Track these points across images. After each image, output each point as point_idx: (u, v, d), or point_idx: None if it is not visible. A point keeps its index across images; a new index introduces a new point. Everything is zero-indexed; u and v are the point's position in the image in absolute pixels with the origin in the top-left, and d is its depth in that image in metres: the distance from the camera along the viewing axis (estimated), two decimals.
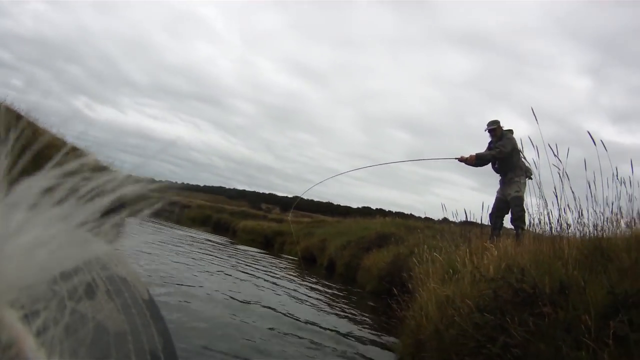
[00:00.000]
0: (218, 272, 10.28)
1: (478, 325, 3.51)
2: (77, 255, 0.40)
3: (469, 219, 9.82)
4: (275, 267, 14.48)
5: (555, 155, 4.38)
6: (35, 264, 0.36)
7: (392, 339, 5.81)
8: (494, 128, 8.24)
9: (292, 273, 13.50)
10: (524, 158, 7.58)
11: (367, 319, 7.71)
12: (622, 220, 4.43)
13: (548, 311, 3.17)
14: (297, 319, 6.75)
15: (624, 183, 4.29)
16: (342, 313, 7.95)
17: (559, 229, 4.32)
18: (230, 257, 14.76)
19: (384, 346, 5.57)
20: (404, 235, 14.25)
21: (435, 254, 5.57)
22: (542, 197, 4.51)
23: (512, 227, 8.01)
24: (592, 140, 4.33)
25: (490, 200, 8.46)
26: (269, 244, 22.46)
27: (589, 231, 4.29)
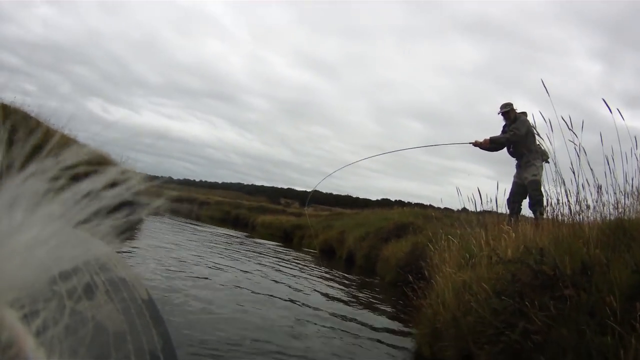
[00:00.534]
0: (243, 266, 10.22)
1: (496, 310, 3.33)
2: (76, 254, 0.40)
3: (484, 206, 9.55)
4: (295, 260, 14.41)
5: (569, 129, 4.14)
6: (35, 263, 0.36)
7: (409, 328, 5.65)
8: (507, 111, 7.97)
9: (311, 265, 13.40)
10: (540, 138, 7.28)
11: (385, 309, 7.57)
12: None
13: (570, 294, 2.98)
14: (317, 309, 6.66)
15: None
16: (360, 303, 7.84)
17: (577, 208, 4.09)
18: (251, 251, 14.73)
19: (401, 335, 5.42)
20: (422, 224, 14.02)
21: (450, 238, 5.37)
22: (560, 175, 4.27)
23: (531, 212, 7.78)
24: (608, 109, 4.11)
25: (507, 188, 8.20)
26: (288, 237, 22.42)
27: (609, 210, 4.06)
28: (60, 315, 0.39)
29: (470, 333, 3.57)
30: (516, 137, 7.61)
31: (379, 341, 5.17)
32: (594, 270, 3.07)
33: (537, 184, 7.56)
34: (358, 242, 15.17)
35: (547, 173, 4.47)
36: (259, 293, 7.40)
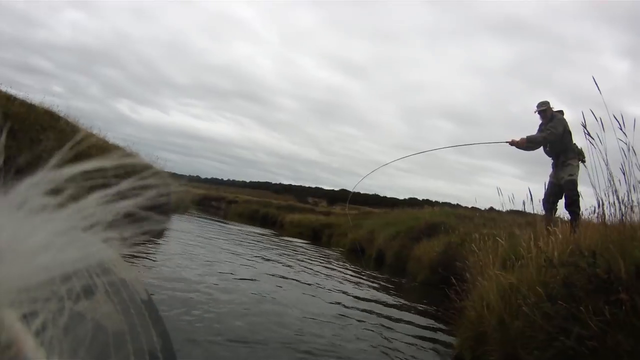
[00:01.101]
0: (277, 264, 10.29)
1: (548, 315, 3.27)
2: (79, 259, 0.39)
3: (516, 208, 9.41)
4: (327, 257, 14.46)
5: (620, 128, 4.04)
6: (37, 267, 0.36)
7: (448, 331, 5.60)
8: (544, 109, 7.80)
9: (343, 264, 13.40)
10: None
11: (421, 310, 7.51)
12: None
13: (625, 298, 2.91)
14: (349, 308, 6.67)
15: None
16: (395, 303, 7.79)
17: (623, 208, 3.98)
18: (283, 248, 14.81)
19: (440, 338, 5.37)
20: (453, 224, 13.89)
21: (498, 238, 5.28)
22: (610, 174, 4.16)
23: (567, 212, 7.63)
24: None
25: (536, 188, 8.06)
26: (317, 236, 22.45)
27: None
28: (60, 316, 0.39)
29: (519, 338, 3.52)
30: (553, 136, 7.46)
31: (417, 344, 5.14)
32: None
33: (573, 184, 7.41)
34: (388, 241, 15.10)
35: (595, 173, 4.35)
36: (296, 291, 7.47)
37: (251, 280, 7.98)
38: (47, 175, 0.39)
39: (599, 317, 2.95)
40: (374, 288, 9.50)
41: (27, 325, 0.37)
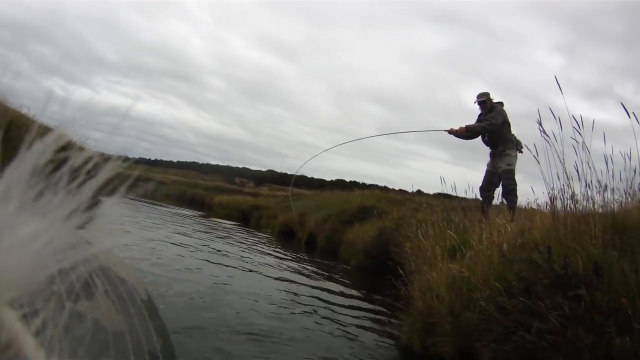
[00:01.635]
0: (204, 247, 9.90)
1: (504, 309, 3.26)
2: (71, 248, 0.39)
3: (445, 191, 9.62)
4: (258, 240, 14.22)
5: (576, 128, 4.09)
6: (31, 258, 0.36)
7: (392, 320, 5.56)
8: (484, 100, 7.98)
9: (275, 247, 13.21)
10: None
11: (361, 297, 7.44)
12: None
13: (584, 294, 2.94)
14: (287, 293, 6.50)
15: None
16: (334, 290, 7.69)
17: (580, 203, 4.07)
18: (214, 231, 14.38)
19: (385, 327, 5.33)
20: (385, 208, 14.06)
21: (440, 225, 5.26)
22: (564, 166, 4.23)
23: (504, 201, 7.86)
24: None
25: (464, 173, 8.30)
26: (246, 218, 22.11)
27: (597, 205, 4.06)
28: (60, 315, 0.39)
29: (473, 330, 3.51)
30: (492, 126, 7.63)
31: (361, 333, 5.05)
32: (605, 271, 3.04)
33: (511, 173, 7.64)
34: (320, 224, 15.06)
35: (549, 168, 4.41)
36: (223, 277, 7.19)
37: (179, 259, 7.61)
38: (27, 167, 0.39)
39: (557, 311, 2.97)
40: (309, 273, 9.40)
41: (27, 325, 0.36)
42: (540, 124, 4.28)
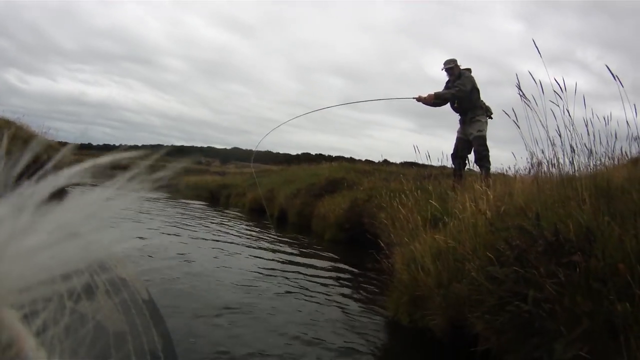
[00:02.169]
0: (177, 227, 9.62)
1: (496, 279, 3.18)
2: (79, 258, 0.39)
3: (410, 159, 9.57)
4: (229, 219, 13.99)
5: (556, 92, 3.99)
6: (37, 267, 0.36)
7: (374, 294, 5.48)
8: (452, 67, 7.91)
9: (247, 225, 13.01)
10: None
11: (340, 271, 7.32)
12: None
13: (579, 260, 2.87)
14: (266, 270, 6.34)
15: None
16: (312, 264, 7.57)
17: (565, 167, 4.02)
18: (184, 211, 14.04)
19: (368, 304, 5.23)
20: (355, 179, 13.97)
21: (415, 193, 5.15)
22: (546, 130, 4.14)
23: (477, 167, 7.86)
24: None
25: (430, 141, 8.33)
26: (214, 197, 21.78)
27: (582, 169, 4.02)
28: (61, 316, 0.39)
29: (465, 302, 3.42)
30: (461, 92, 7.58)
31: (344, 308, 4.96)
32: (597, 236, 2.97)
33: (482, 140, 7.62)
34: (290, 199, 14.89)
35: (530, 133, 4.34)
36: (207, 256, 6.98)
37: (148, 242, 7.34)
38: (46, 177, 0.39)
39: (552, 279, 2.90)
40: (284, 248, 9.26)
41: (28, 325, 0.36)
42: (519, 88, 4.16)
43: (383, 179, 12.99)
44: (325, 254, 8.97)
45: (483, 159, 7.49)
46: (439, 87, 7.88)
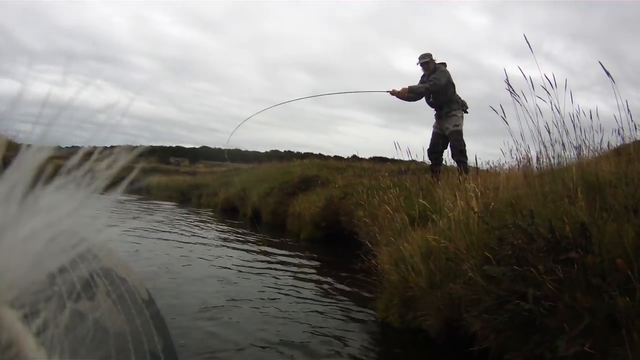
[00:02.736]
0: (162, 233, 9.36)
1: (492, 277, 3.15)
2: (71, 246, 0.39)
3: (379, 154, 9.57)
4: (202, 219, 13.74)
5: (544, 87, 3.99)
6: (32, 256, 0.36)
7: (360, 296, 5.40)
8: (427, 61, 7.90)
9: (221, 225, 12.80)
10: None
11: (322, 272, 7.24)
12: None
13: (576, 256, 2.86)
14: (242, 274, 6.20)
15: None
16: (293, 264, 7.45)
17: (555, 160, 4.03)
18: (152, 214, 13.69)
19: (355, 305, 5.15)
20: (328, 176, 13.92)
21: (420, 200, 5.09)
22: (538, 130, 4.15)
23: (454, 162, 7.89)
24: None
25: (398, 135, 8.35)
26: (186, 198, 21.42)
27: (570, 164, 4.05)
28: (61, 316, 0.39)
29: (460, 302, 3.39)
30: (436, 87, 7.58)
31: (331, 310, 4.88)
32: (592, 232, 2.97)
33: (459, 134, 7.65)
34: (263, 199, 14.74)
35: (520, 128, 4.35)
36: (184, 260, 6.80)
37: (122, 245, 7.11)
38: (29, 167, 0.39)
39: (550, 276, 2.88)
40: (260, 249, 9.13)
41: (28, 325, 0.36)
42: (507, 83, 4.15)
43: (357, 176, 12.99)
44: (303, 253, 8.87)
45: (460, 153, 7.51)
46: (407, 81, 7.99)
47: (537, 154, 4.18)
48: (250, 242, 10.23)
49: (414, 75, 7.94)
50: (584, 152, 4.28)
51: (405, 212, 5.10)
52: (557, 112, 3.84)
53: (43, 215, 0.37)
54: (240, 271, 6.70)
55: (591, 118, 4.06)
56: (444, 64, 7.83)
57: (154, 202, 19.12)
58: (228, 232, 11.83)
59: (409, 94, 7.65)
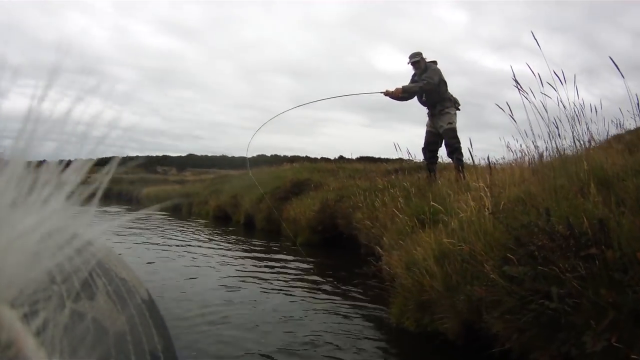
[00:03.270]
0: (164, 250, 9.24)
1: (514, 278, 3.16)
2: (66, 241, 0.40)
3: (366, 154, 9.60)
4: (196, 229, 13.64)
5: (550, 83, 4.02)
6: (30, 252, 0.37)
7: (371, 301, 5.38)
8: (418, 60, 7.93)
9: (216, 234, 12.70)
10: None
11: (327, 277, 7.18)
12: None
13: (597, 252, 2.89)
14: (243, 282, 6.14)
15: None
16: (296, 272, 7.40)
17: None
18: (143, 225, 13.56)
19: (368, 311, 5.13)
20: (320, 179, 13.91)
21: (433, 203, 5.08)
22: (548, 127, 4.18)
23: (450, 160, 7.93)
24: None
25: (383, 135, 8.37)
26: (177, 207, 21.24)
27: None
28: (60, 315, 0.39)
29: (480, 304, 3.39)
30: (430, 85, 7.61)
31: (342, 317, 4.84)
32: (610, 227, 3.00)
33: (453, 132, 7.68)
34: (256, 205, 14.66)
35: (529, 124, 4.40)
36: (181, 273, 6.73)
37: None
38: (20, 163, 0.40)
39: (573, 274, 2.90)
40: (259, 255, 9.10)
41: (28, 325, 0.37)
42: (515, 80, 4.17)
43: (350, 177, 13.01)
44: (302, 260, 8.82)
45: (455, 151, 7.55)
46: (389, 80, 8.03)
47: (537, 148, 4.20)
48: (246, 248, 10.18)
49: (395, 74, 8.00)
50: (586, 144, 4.31)
51: (411, 213, 5.09)
52: (562, 106, 3.88)
53: (35, 213, 0.38)
54: (241, 278, 6.66)
55: (583, 109, 4.11)
56: (434, 62, 7.86)
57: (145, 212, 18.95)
58: (222, 239, 11.75)
59: (402, 94, 7.68)
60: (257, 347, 3.95)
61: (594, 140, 4.34)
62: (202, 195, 19.47)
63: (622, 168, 3.69)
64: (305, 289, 6.16)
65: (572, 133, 4.02)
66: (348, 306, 5.23)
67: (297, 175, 15.23)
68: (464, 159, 7.44)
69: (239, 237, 12.39)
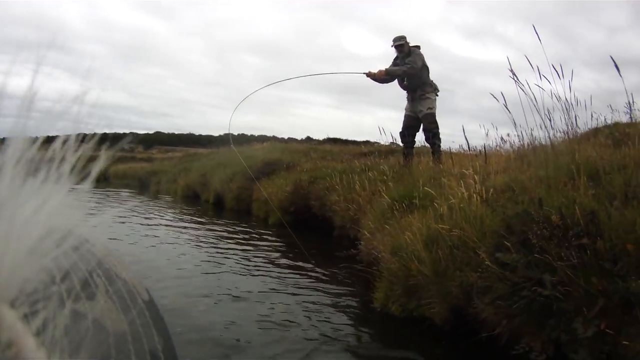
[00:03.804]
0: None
1: (506, 265, 3.22)
2: (60, 237, 0.40)
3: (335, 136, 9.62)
4: (164, 208, 13.40)
5: (544, 76, 4.07)
6: (28, 247, 0.37)
7: (352, 285, 5.41)
8: (402, 44, 7.93)
9: (187, 213, 12.52)
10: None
11: (303, 258, 7.16)
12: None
13: (588, 242, 2.97)
14: (221, 263, 6.08)
15: None
16: (271, 252, 7.35)
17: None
18: (111, 203, 13.22)
19: (352, 295, 5.14)
20: (292, 159, 13.84)
21: (430, 187, 5.07)
22: (539, 112, 4.24)
23: (428, 144, 8.00)
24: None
25: (350, 117, 8.41)
26: (144, 185, 20.82)
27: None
28: (60, 315, 0.39)
29: (470, 289, 3.45)
30: (413, 70, 7.65)
31: (325, 301, 4.83)
32: (601, 219, 3.08)
33: (432, 117, 7.75)
34: (226, 184, 14.50)
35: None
36: (154, 250, 6.61)
37: None
38: (14, 157, 0.39)
39: (565, 262, 2.98)
40: (230, 235, 9.01)
41: (28, 325, 0.36)
42: (511, 71, 4.21)
43: (322, 159, 13.00)
44: (277, 240, 8.79)
45: (434, 136, 7.63)
46: (361, 63, 8.01)
47: (522, 138, 4.28)
48: (217, 228, 10.06)
49: (368, 57, 8.08)
50: (568, 135, 4.41)
51: (395, 196, 5.12)
52: (556, 100, 3.93)
53: (28, 210, 0.38)
54: (217, 259, 6.58)
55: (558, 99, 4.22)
56: (417, 47, 7.87)
57: (112, 190, 18.52)
58: (194, 219, 11.60)
59: (385, 76, 7.70)
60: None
61: (575, 132, 4.44)
62: (171, 174, 19.14)
63: (608, 162, 3.79)
64: (281, 271, 6.14)
65: (555, 122, 4.10)
66: (328, 289, 5.24)
67: (268, 155, 15.10)
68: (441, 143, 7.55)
69: (208, 217, 12.24)
